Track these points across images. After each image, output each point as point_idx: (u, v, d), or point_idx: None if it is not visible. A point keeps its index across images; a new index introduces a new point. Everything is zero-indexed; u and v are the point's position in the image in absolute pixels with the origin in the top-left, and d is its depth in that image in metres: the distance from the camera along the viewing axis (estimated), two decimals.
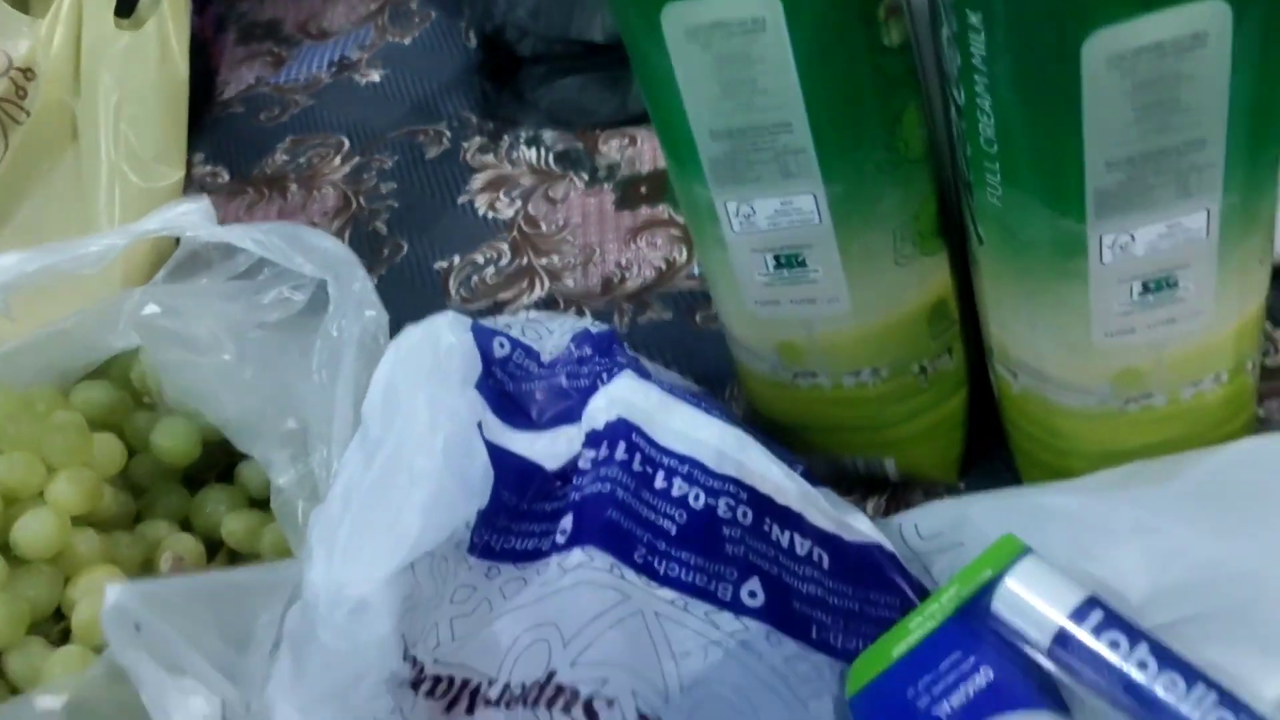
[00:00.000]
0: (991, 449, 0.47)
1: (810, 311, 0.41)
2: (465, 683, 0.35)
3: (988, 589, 0.34)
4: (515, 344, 0.44)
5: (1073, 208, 0.33)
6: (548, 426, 0.42)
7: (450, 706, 0.35)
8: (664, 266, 0.59)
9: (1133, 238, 0.34)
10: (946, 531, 0.41)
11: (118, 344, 0.43)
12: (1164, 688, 0.30)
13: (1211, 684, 0.30)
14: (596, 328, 0.45)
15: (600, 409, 0.40)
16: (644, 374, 0.42)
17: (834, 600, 0.39)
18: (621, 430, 0.39)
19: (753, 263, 0.40)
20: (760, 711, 0.34)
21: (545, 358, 0.45)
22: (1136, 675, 0.30)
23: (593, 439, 0.40)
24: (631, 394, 0.41)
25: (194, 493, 0.45)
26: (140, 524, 0.43)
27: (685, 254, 0.60)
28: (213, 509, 0.43)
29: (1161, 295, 0.36)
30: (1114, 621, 0.31)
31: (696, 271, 0.59)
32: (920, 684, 0.32)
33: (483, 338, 0.43)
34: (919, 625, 0.34)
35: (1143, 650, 0.31)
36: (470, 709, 0.35)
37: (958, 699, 0.31)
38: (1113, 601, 0.32)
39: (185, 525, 0.44)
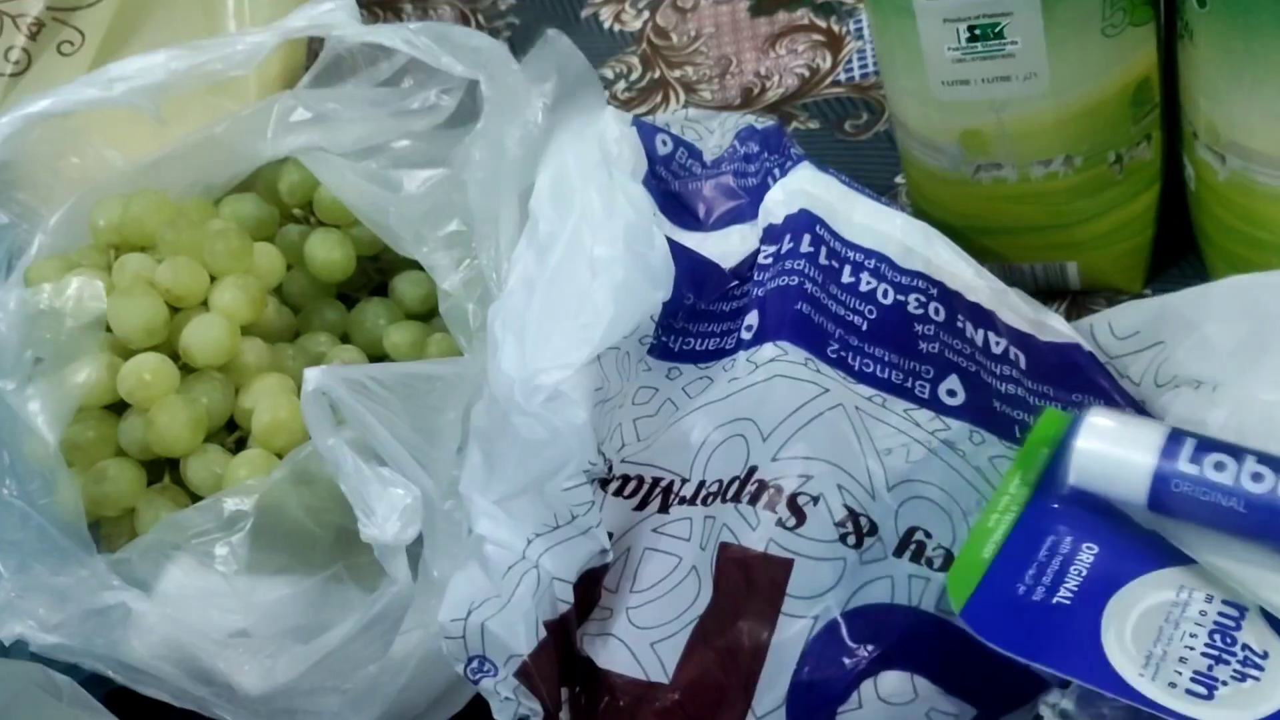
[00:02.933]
0: (1178, 257, 0.43)
1: (1003, 91, 0.38)
2: (656, 481, 0.34)
3: (1056, 462, 0.31)
4: (678, 142, 0.42)
5: None
6: (716, 226, 0.40)
7: (642, 505, 0.34)
8: (807, 74, 0.56)
9: None
10: (1144, 329, 0.38)
11: (266, 153, 0.42)
12: None
13: None
14: (761, 123, 0.42)
15: (779, 202, 0.38)
16: (821, 166, 0.40)
17: (1035, 401, 0.36)
18: (804, 222, 0.37)
19: (943, 35, 0.37)
20: (969, 515, 0.32)
21: (708, 157, 0.42)
22: (1255, 488, 0.28)
23: (772, 234, 0.38)
24: (812, 185, 0.38)
25: (349, 308, 0.44)
26: (300, 338, 0.42)
27: (830, 61, 0.56)
28: (372, 322, 0.42)
29: None
30: (1209, 445, 0.28)
31: (844, 78, 0.55)
32: (1026, 578, 0.29)
33: (645, 134, 0.40)
34: (997, 521, 0.31)
35: (1251, 463, 0.28)
36: (664, 507, 0.33)
37: (1073, 583, 0.29)
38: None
39: (344, 340, 0.43)
